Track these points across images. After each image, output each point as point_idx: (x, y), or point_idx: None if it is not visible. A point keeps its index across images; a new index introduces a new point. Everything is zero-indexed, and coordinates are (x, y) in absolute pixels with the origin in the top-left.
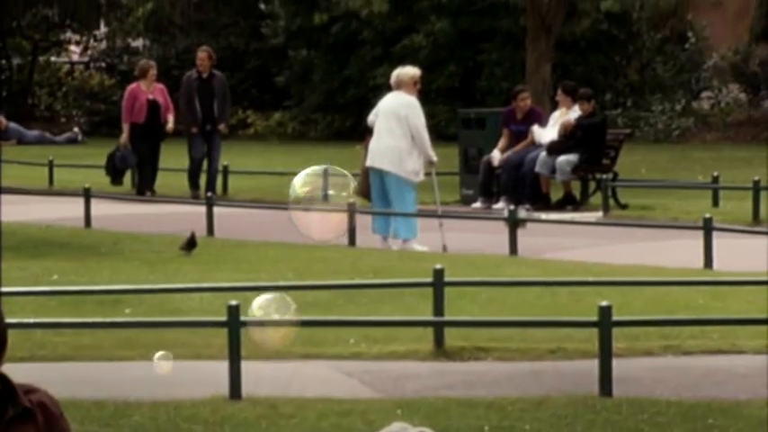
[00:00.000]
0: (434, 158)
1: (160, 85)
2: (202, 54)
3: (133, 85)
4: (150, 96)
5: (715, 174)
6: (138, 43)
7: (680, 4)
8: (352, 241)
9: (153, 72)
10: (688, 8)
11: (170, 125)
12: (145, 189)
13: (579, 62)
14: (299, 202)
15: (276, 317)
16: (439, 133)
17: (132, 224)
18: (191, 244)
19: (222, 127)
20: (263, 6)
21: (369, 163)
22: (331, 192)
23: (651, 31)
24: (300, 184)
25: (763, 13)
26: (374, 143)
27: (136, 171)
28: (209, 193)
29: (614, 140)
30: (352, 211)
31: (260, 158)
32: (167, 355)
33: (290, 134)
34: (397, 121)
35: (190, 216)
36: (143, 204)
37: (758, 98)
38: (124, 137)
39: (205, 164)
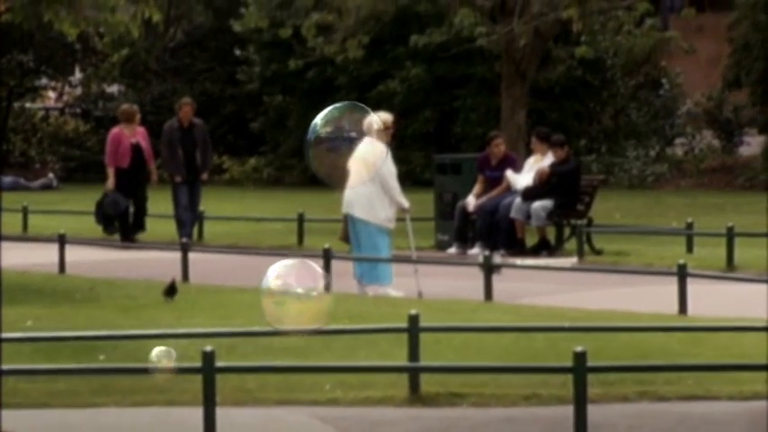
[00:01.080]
0: (405, 205)
1: (141, 129)
2: (186, 108)
3: (115, 130)
4: (133, 140)
5: (689, 220)
6: (114, 89)
7: (653, 50)
8: (326, 287)
9: (135, 116)
10: (662, 55)
11: (153, 175)
12: (134, 234)
13: (554, 108)
14: (271, 294)
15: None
16: (414, 179)
17: (107, 270)
18: (171, 290)
19: (205, 176)
20: (238, 52)
21: (343, 210)
22: (299, 289)
23: (625, 78)
24: (273, 276)
25: (735, 60)
26: (346, 190)
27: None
28: (185, 239)
29: (589, 186)
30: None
31: (235, 204)
32: (169, 354)
33: (266, 180)
34: (367, 168)
35: (165, 261)
36: (118, 250)
37: (732, 145)
38: (110, 182)
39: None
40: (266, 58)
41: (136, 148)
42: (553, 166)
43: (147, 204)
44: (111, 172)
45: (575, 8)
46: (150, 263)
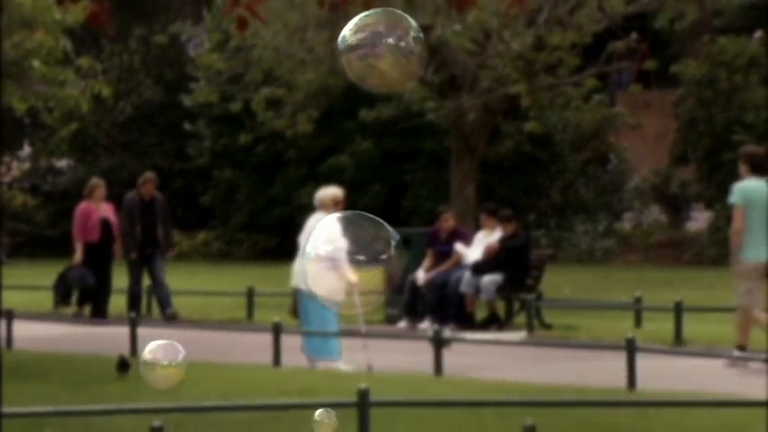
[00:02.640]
0: (353, 279)
1: (109, 205)
2: (149, 183)
3: (83, 204)
4: (102, 215)
5: (638, 294)
6: (63, 163)
7: (601, 126)
8: (276, 361)
9: (101, 191)
10: (609, 131)
11: (118, 250)
12: (103, 311)
13: (503, 183)
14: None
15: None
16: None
17: (55, 345)
18: (124, 366)
19: (169, 252)
20: (188, 126)
21: (293, 283)
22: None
23: (574, 153)
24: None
25: (682, 135)
26: (296, 263)
27: (84, 292)
28: (168, 311)
29: (538, 261)
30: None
31: (185, 278)
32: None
33: (215, 254)
34: None
35: (113, 336)
36: (65, 325)
37: (679, 220)
38: (78, 256)
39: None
40: (216, 132)
41: (104, 223)
42: (502, 240)
43: (110, 282)
44: (78, 246)
45: (523, 84)
46: (98, 337)
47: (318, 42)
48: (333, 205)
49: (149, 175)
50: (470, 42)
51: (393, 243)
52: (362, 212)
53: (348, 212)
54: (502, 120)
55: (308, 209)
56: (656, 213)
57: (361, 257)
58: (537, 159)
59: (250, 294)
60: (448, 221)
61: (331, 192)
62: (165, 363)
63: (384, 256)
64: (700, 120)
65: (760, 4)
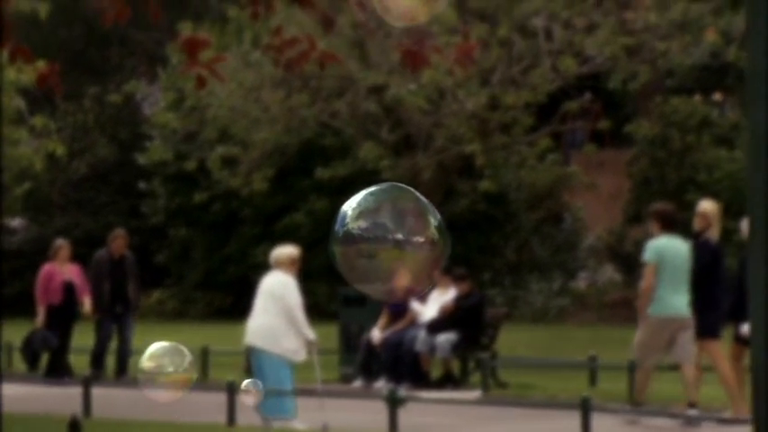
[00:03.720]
0: (311, 337)
1: (75, 266)
2: (119, 240)
3: (47, 266)
4: (65, 277)
5: (592, 353)
6: (16, 222)
7: (556, 185)
8: (231, 420)
9: (65, 252)
10: (564, 190)
11: (86, 307)
12: (63, 371)
13: (458, 241)
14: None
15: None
16: (319, 311)
17: (9, 405)
18: (74, 427)
19: (136, 311)
20: (142, 185)
21: (246, 341)
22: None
23: (528, 212)
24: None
25: (635, 195)
26: (250, 321)
27: (49, 353)
28: (121, 373)
29: (493, 319)
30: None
31: (139, 337)
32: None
33: (170, 312)
34: (273, 300)
35: (67, 396)
36: (15, 385)
37: (633, 278)
38: (40, 319)
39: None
40: (171, 190)
41: (68, 286)
42: (457, 299)
43: (69, 342)
44: (41, 309)
45: (477, 143)
46: (51, 397)
47: (274, 101)
48: (288, 264)
49: (119, 231)
50: (425, 101)
51: (435, 222)
52: (399, 184)
53: (384, 185)
54: (456, 178)
55: (263, 267)
56: (610, 272)
57: (400, 238)
58: (492, 218)
59: (205, 353)
60: (401, 280)
61: (287, 251)
62: (171, 369)
63: (425, 238)
64: (653, 179)
65: (711, 66)
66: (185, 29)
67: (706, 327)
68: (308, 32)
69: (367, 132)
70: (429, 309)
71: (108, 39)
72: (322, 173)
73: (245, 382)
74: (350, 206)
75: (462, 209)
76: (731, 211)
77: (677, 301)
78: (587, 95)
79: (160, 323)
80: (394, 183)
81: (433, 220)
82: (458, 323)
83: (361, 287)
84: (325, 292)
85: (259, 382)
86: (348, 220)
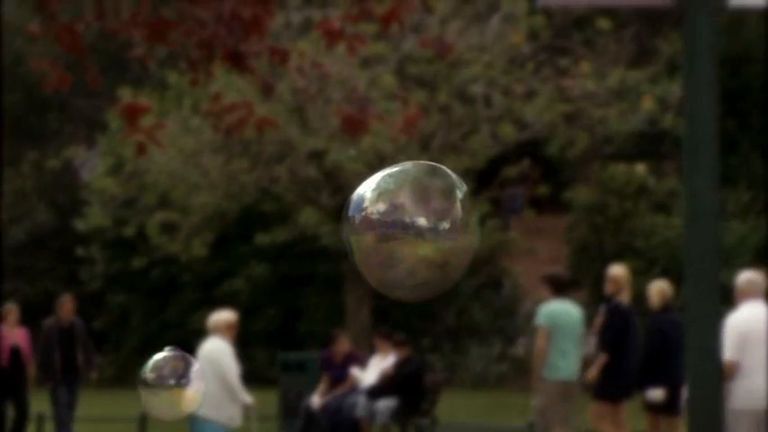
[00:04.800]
0: (248, 401)
1: (23, 330)
2: (67, 304)
3: None
4: (12, 342)
5: (531, 419)
6: None
7: (495, 251)
8: None
9: (14, 316)
10: (503, 255)
11: (30, 374)
12: None
13: (398, 306)
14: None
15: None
16: (258, 377)
17: None
18: None
19: (94, 374)
20: (80, 251)
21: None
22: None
23: (468, 277)
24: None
25: (574, 261)
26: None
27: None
28: None
29: (433, 385)
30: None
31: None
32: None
33: (108, 379)
34: (210, 366)
35: None
36: None
37: None
38: None
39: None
40: (109, 256)
41: (14, 350)
42: (397, 365)
43: (28, 409)
44: None
45: None
46: None
47: (213, 166)
48: (225, 329)
49: (66, 296)
50: (365, 167)
51: (462, 200)
52: (424, 163)
53: (406, 165)
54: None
55: (202, 333)
56: None
57: (423, 225)
58: None
59: (143, 420)
60: (343, 345)
61: (223, 316)
62: (173, 382)
63: (454, 223)
64: (591, 245)
65: (647, 133)
66: (125, 94)
67: (606, 389)
68: (248, 98)
69: (307, 198)
70: (369, 374)
71: (47, 104)
72: (261, 238)
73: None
74: (368, 188)
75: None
76: (669, 277)
77: (567, 365)
78: (526, 161)
79: (98, 390)
80: (418, 161)
81: (460, 195)
82: (398, 389)
83: (387, 286)
84: (265, 358)
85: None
86: (366, 203)
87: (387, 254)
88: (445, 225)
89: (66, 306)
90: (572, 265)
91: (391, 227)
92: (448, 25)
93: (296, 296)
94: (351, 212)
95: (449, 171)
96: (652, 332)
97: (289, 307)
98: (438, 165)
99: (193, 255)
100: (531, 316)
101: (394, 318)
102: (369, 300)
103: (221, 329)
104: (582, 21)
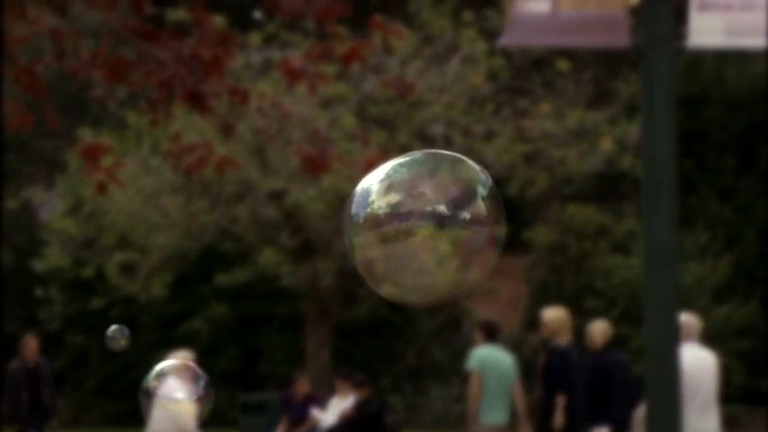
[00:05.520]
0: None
1: None
2: (31, 343)
3: None
4: None
5: None
6: None
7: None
8: None
9: None
10: (463, 295)
11: None
12: None
13: (358, 347)
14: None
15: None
16: (218, 418)
17: None
18: None
19: (55, 422)
20: (39, 292)
21: None
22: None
23: (428, 317)
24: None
25: (533, 301)
26: (148, 430)
27: None
28: None
29: (393, 425)
30: None
31: None
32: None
33: (66, 420)
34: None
35: None
36: None
37: (530, 385)
38: None
39: None
40: (68, 297)
41: None
42: (356, 405)
43: None
44: None
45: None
46: None
47: (173, 206)
48: (183, 370)
49: (30, 337)
50: (325, 207)
51: (483, 191)
52: (438, 152)
53: (419, 154)
54: (357, 284)
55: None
56: None
57: (442, 213)
58: (391, 324)
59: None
60: (302, 386)
61: (181, 356)
62: (181, 397)
63: (474, 216)
64: (551, 285)
65: (606, 174)
66: (85, 135)
67: (554, 430)
68: (208, 138)
69: (267, 238)
70: (328, 415)
71: (5, 145)
72: (221, 278)
73: (111, 328)
74: (375, 179)
75: (362, 315)
76: (628, 318)
77: (497, 410)
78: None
79: (57, 430)
80: (429, 150)
81: (483, 191)
82: (357, 430)
83: (395, 290)
84: (224, 399)
85: (126, 330)
86: (373, 197)
87: (397, 252)
88: (466, 215)
89: (31, 347)
90: (532, 306)
91: (403, 220)
92: (408, 66)
93: (256, 337)
94: (354, 210)
95: (470, 161)
96: (595, 371)
97: (248, 347)
98: (457, 154)
99: (153, 295)
100: None
101: (355, 358)
102: (329, 340)
103: (175, 371)
104: (541, 62)
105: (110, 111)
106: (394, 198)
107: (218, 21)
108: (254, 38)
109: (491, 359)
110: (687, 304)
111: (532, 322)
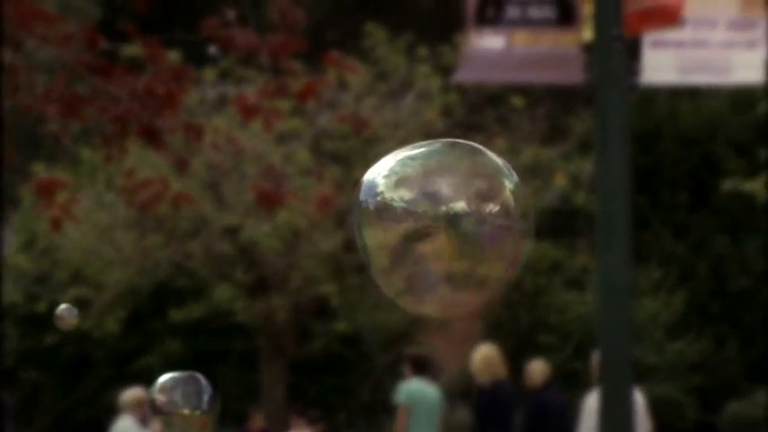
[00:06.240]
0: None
1: None
2: None
3: None
4: None
5: None
6: None
7: (410, 326)
8: None
9: None
10: (418, 331)
11: None
12: None
13: (313, 383)
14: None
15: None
16: None
17: None
18: None
19: None
20: None
21: None
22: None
23: (383, 353)
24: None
25: (487, 337)
26: None
27: None
28: None
29: None
30: None
31: None
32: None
33: None
34: None
35: None
36: None
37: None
38: None
39: None
40: (21, 333)
41: None
42: None
43: None
44: None
45: (333, 284)
46: None
47: (127, 242)
48: (135, 406)
49: None
50: (280, 243)
51: (511, 184)
52: (456, 141)
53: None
54: (312, 320)
55: (115, 410)
56: (463, 414)
57: (465, 209)
58: (346, 360)
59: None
60: (258, 422)
61: (132, 393)
62: (187, 411)
63: (500, 211)
64: (505, 321)
65: (561, 210)
66: (39, 170)
67: None
68: (162, 174)
69: (221, 274)
70: None
71: None
72: (175, 314)
73: (61, 307)
74: (387, 166)
75: (317, 351)
76: (582, 353)
77: None
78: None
79: None
80: (449, 139)
81: (510, 184)
82: None
83: (414, 295)
84: None
85: (75, 310)
86: (382, 187)
87: (416, 250)
88: (493, 208)
89: None
90: (485, 340)
91: (421, 217)
92: (363, 101)
93: (210, 373)
94: (362, 197)
95: (491, 153)
96: (533, 410)
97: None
98: (477, 145)
99: (106, 331)
100: (444, 392)
101: (310, 394)
102: (284, 376)
103: (130, 407)
104: (495, 98)
105: (64, 146)
106: (407, 190)
107: (173, 56)
108: (209, 73)
109: (419, 392)
110: (641, 339)
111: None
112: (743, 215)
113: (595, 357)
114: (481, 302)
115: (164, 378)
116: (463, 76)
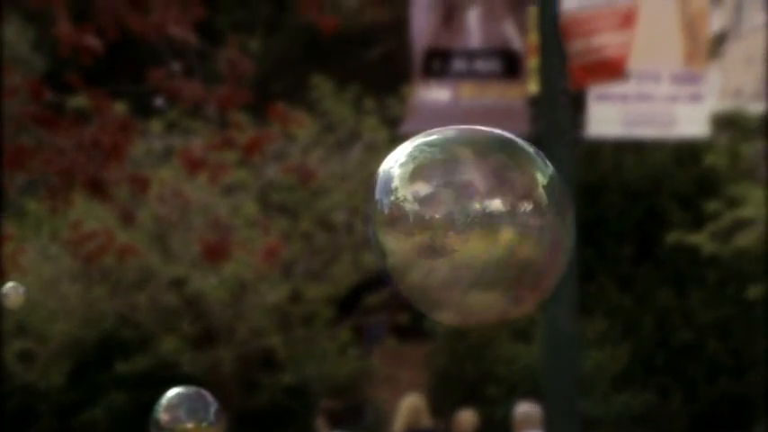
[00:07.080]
0: None
1: None
2: None
3: None
4: None
5: None
6: None
7: (356, 378)
8: None
9: None
10: (365, 382)
11: None
12: None
13: None
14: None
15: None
16: None
17: None
18: None
19: None
20: None
21: None
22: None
23: (327, 399)
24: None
25: (433, 388)
26: None
27: None
28: None
29: None
30: None
31: None
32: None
33: None
34: None
35: None
36: None
37: None
38: None
39: None
40: None
41: None
42: None
43: None
44: None
45: (279, 336)
46: None
47: (72, 294)
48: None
49: None
50: (226, 294)
51: (546, 182)
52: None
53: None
54: (258, 372)
55: None
56: None
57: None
58: (292, 411)
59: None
60: None
61: None
62: (191, 426)
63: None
64: (452, 373)
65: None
66: None
67: None
68: (108, 226)
69: (167, 325)
70: None
71: None
72: (121, 367)
73: (7, 285)
74: (400, 158)
75: (263, 402)
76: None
77: None
78: (388, 289)
79: None
80: (471, 126)
81: (543, 179)
82: None
83: (437, 302)
84: None
85: (21, 287)
86: (397, 183)
87: (439, 253)
88: (527, 206)
89: None
90: (432, 392)
91: (447, 217)
92: (310, 153)
93: None
94: (377, 195)
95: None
96: None
97: None
98: (507, 134)
99: (51, 383)
100: None
101: None
102: (231, 428)
103: None
104: None
105: (9, 198)
106: (425, 188)
107: (119, 108)
108: (155, 125)
109: None
110: (587, 391)
111: (434, 409)
112: (687, 267)
113: (519, 408)
114: (511, 309)
115: (169, 395)
116: (410, 127)
